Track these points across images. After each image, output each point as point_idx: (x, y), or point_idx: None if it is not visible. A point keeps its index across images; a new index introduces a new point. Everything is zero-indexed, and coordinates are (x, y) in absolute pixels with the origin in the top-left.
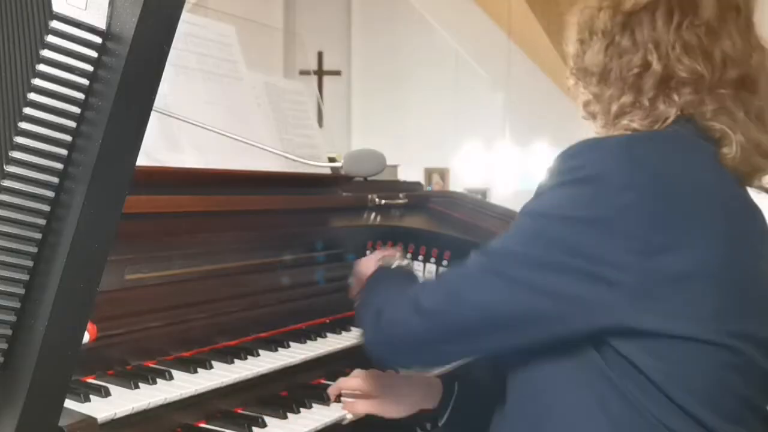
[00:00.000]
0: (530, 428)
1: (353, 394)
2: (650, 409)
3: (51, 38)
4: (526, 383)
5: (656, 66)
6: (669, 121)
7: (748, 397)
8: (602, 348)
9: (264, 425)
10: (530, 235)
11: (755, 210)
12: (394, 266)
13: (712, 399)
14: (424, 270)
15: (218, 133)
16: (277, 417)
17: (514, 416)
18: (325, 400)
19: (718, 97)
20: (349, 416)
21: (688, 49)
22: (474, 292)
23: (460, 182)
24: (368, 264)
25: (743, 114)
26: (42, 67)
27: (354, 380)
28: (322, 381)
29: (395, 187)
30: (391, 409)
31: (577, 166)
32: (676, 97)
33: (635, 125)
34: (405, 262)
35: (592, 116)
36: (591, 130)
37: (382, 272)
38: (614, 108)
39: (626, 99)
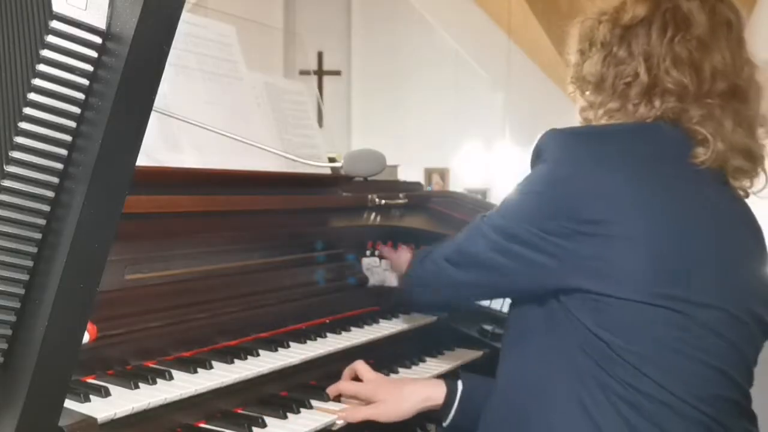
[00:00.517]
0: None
1: (353, 400)
2: (621, 377)
3: (51, 38)
4: (512, 357)
5: (644, 77)
6: (648, 121)
7: (705, 361)
8: (574, 324)
9: (264, 425)
10: (504, 206)
11: (721, 199)
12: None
13: (668, 365)
14: None
15: (218, 133)
16: (277, 417)
17: (499, 397)
18: (325, 400)
19: (705, 106)
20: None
21: (678, 62)
22: (470, 245)
23: (460, 182)
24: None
25: (731, 122)
26: (42, 67)
27: (354, 385)
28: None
29: (395, 187)
30: (390, 413)
31: (539, 150)
32: (657, 103)
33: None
34: None
35: (587, 122)
36: None
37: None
38: (601, 112)
39: (613, 105)
